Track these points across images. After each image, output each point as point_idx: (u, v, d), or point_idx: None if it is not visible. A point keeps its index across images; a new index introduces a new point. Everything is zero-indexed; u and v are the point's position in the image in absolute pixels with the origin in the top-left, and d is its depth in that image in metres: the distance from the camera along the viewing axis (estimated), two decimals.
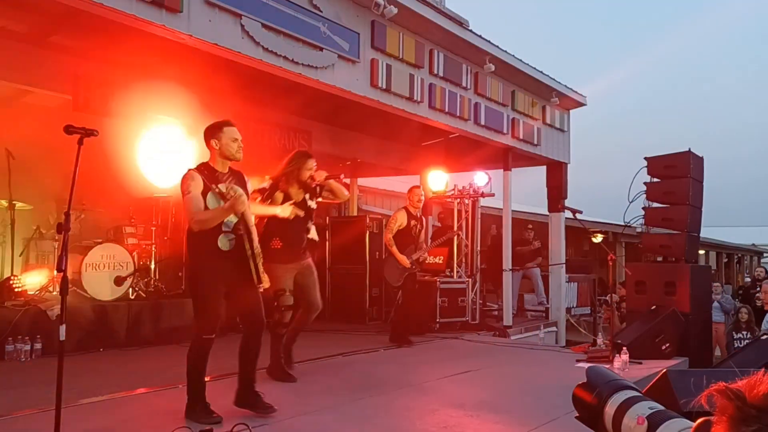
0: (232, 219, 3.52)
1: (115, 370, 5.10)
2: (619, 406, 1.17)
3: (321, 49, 5.72)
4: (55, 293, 5.98)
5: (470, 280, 8.74)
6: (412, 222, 6.76)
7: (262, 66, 5.34)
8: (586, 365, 5.84)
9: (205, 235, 3.44)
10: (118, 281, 6.25)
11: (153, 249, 7.08)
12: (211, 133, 3.61)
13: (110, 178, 7.05)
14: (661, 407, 1.13)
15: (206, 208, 3.45)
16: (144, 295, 6.64)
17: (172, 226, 7.61)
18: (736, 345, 7.89)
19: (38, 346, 5.31)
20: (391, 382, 4.26)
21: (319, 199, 4.93)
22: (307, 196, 4.76)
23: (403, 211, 6.83)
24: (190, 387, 3.54)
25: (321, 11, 5.74)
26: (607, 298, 8.93)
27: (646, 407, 1.13)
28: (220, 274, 3.50)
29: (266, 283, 3.65)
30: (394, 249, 6.58)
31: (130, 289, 6.45)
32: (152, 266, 7.03)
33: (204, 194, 3.45)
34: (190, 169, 3.56)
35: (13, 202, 6.28)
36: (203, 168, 3.58)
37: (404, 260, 6.58)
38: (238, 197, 3.30)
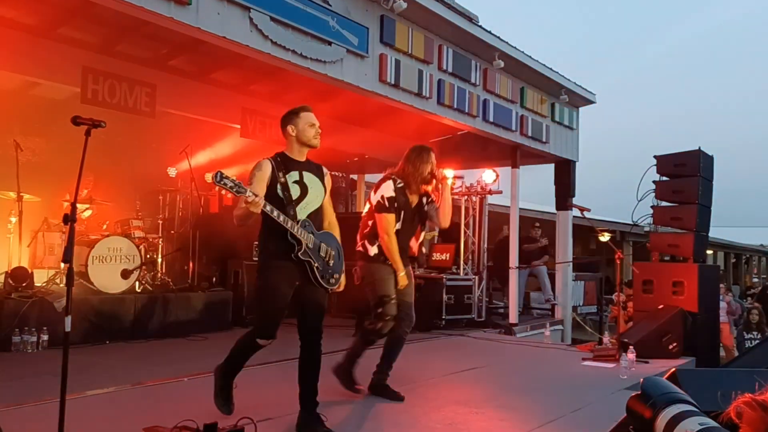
0: (300, 216, 3.26)
1: (121, 363, 5.11)
2: (670, 419, 1.13)
3: (330, 43, 5.70)
4: (62, 285, 6.00)
5: (477, 277, 8.71)
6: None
7: (270, 60, 5.33)
8: (592, 363, 5.85)
9: (273, 231, 3.20)
10: (125, 274, 6.26)
11: (160, 243, 7.09)
12: (288, 119, 3.38)
13: (118, 171, 7.09)
14: (714, 424, 1.08)
15: (274, 200, 3.18)
16: (151, 288, 6.66)
17: (179, 220, 7.63)
18: (747, 345, 7.83)
19: (45, 337, 5.33)
20: (396, 378, 4.24)
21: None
22: (425, 200, 4.22)
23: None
24: (224, 369, 3.44)
25: (330, 5, 5.72)
26: (614, 297, 8.87)
27: (697, 423, 1.09)
28: (285, 275, 3.24)
29: (341, 286, 3.47)
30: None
31: (137, 283, 6.47)
32: (159, 260, 7.05)
33: (272, 185, 3.23)
34: (263, 159, 3.32)
35: (21, 194, 6.30)
36: (277, 157, 3.35)
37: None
38: (250, 203, 2.99)
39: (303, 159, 3.41)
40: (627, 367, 5.18)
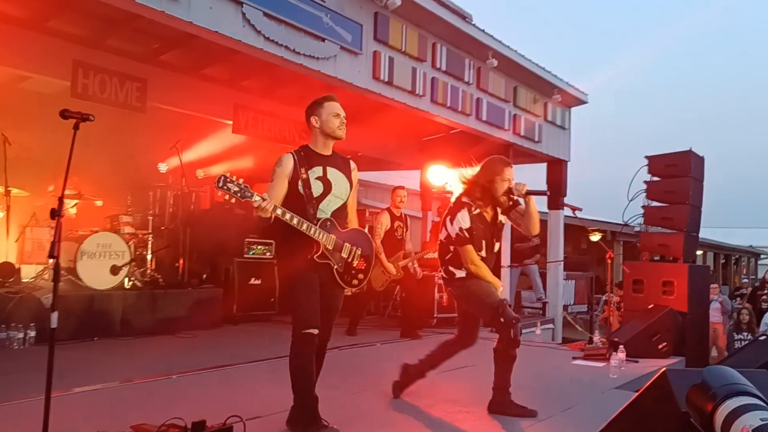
0: (322, 215, 3.13)
1: (108, 360, 5.06)
2: (730, 413, 1.08)
3: (323, 39, 5.67)
4: (50, 280, 5.93)
5: None
6: (396, 223, 6.77)
7: (263, 55, 5.30)
8: (583, 363, 5.85)
9: (289, 231, 3.04)
10: (114, 270, 6.20)
11: (150, 239, 7.03)
12: (312, 110, 3.23)
13: (108, 167, 7.03)
14: None
15: (295, 197, 3.07)
16: (140, 285, 6.60)
17: (169, 216, 7.57)
18: (737, 345, 7.88)
19: (32, 333, 5.27)
20: (388, 376, 4.23)
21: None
22: (499, 210, 3.97)
23: (386, 212, 6.83)
24: (297, 393, 3.12)
25: (324, 1, 5.69)
26: (606, 297, 8.90)
27: (758, 418, 1.04)
28: (307, 273, 3.12)
29: (358, 288, 3.34)
30: (383, 257, 6.57)
31: (126, 279, 6.41)
32: (149, 256, 6.99)
33: (293, 181, 3.09)
34: (285, 154, 3.18)
35: (9, 189, 6.23)
36: (301, 151, 3.21)
37: (391, 269, 6.64)
38: (257, 208, 2.90)
39: (328, 152, 3.25)
40: (617, 366, 5.19)
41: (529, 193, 3.81)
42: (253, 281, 7.51)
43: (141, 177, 7.50)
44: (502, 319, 3.67)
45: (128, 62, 6.81)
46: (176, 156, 7.33)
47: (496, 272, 6.44)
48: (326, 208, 3.15)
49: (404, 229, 6.90)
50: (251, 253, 7.65)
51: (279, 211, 2.96)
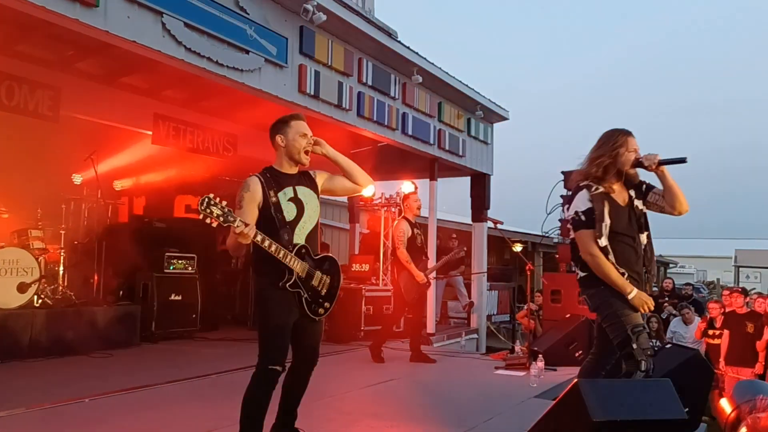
0: (297, 240, 3.00)
1: (14, 384, 4.76)
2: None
3: (247, 51, 5.61)
4: None
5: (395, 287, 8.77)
6: (415, 231, 6.46)
7: (184, 66, 5.18)
8: (504, 372, 6.01)
9: (265, 257, 2.92)
10: (22, 288, 5.86)
11: (62, 254, 6.69)
12: (276, 129, 3.08)
13: (16, 178, 6.64)
14: None
15: (268, 222, 2.93)
16: (51, 302, 6.25)
17: (84, 229, 7.24)
18: None
19: None
20: (311, 392, 4.19)
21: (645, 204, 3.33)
22: (633, 193, 3.31)
23: (403, 221, 6.50)
24: (244, 428, 2.96)
25: (248, 13, 5.63)
26: (529, 306, 9.19)
27: None
28: (283, 301, 3.01)
29: (321, 318, 3.12)
30: (412, 266, 6.26)
31: (36, 297, 6.06)
32: (61, 272, 6.64)
33: (265, 206, 2.95)
34: (250, 177, 3.00)
35: None
36: (266, 173, 3.05)
37: (421, 276, 6.33)
38: (238, 234, 2.76)
39: (294, 171, 3.12)
40: (536, 375, 5.37)
41: (663, 162, 3.14)
42: (173, 297, 7.28)
43: (53, 189, 7.12)
44: (634, 346, 3.11)
45: (40, 70, 6.47)
46: (92, 167, 7.04)
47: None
48: (301, 233, 3.05)
49: (422, 238, 6.64)
50: (171, 267, 7.41)
51: (259, 238, 2.83)
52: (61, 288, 6.53)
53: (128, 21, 4.56)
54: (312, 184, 3.17)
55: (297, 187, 3.07)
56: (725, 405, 3.54)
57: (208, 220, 2.69)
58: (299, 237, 3.03)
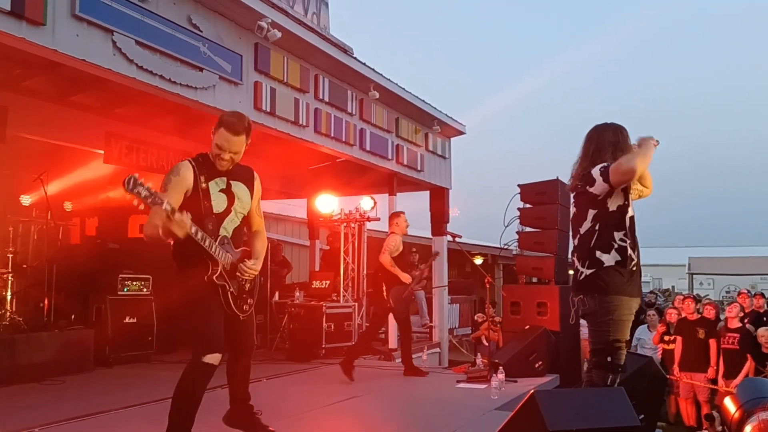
0: (224, 232, 2.94)
1: None
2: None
3: (201, 69, 5.56)
4: None
5: (356, 304, 8.75)
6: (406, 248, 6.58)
7: (135, 84, 5.10)
8: (466, 385, 6.03)
9: (189, 244, 2.83)
10: None
11: (10, 278, 6.46)
12: (215, 125, 3.00)
13: None
14: None
15: (192, 210, 2.81)
16: None
17: (33, 252, 7.01)
18: None
19: None
20: (271, 412, 4.13)
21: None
22: None
23: (398, 236, 6.56)
24: (173, 424, 2.88)
25: (201, 31, 5.59)
26: (493, 318, 9.26)
27: None
28: (212, 291, 2.94)
29: (245, 315, 3.07)
30: (397, 269, 6.32)
31: None
32: (9, 297, 6.41)
33: (194, 191, 2.87)
34: (182, 161, 2.94)
35: None
36: (199, 158, 2.99)
37: (406, 276, 6.37)
38: (176, 224, 2.67)
39: (230, 164, 3.04)
40: (497, 387, 5.40)
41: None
42: (128, 320, 7.08)
43: (0, 211, 6.90)
44: (609, 359, 3.15)
45: None
46: (41, 188, 6.84)
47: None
48: (228, 226, 2.99)
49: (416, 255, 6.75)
50: (126, 289, 7.22)
51: (193, 230, 2.76)
52: (8, 313, 6.30)
53: (77, 39, 4.47)
54: (250, 183, 3.15)
55: (232, 181, 3.05)
56: (729, 404, 3.58)
57: (135, 202, 2.61)
58: (226, 230, 2.99)
